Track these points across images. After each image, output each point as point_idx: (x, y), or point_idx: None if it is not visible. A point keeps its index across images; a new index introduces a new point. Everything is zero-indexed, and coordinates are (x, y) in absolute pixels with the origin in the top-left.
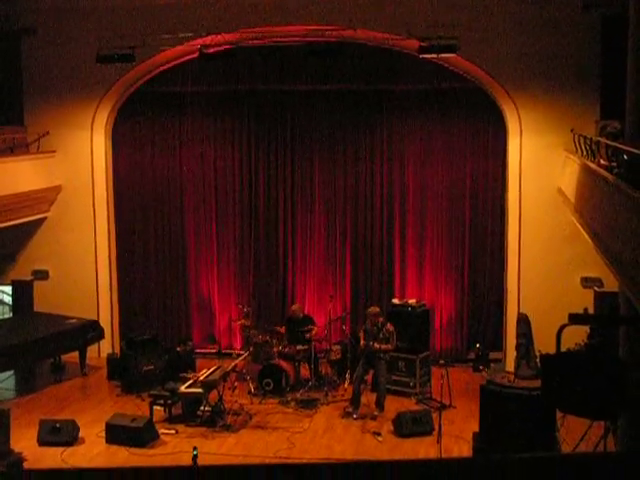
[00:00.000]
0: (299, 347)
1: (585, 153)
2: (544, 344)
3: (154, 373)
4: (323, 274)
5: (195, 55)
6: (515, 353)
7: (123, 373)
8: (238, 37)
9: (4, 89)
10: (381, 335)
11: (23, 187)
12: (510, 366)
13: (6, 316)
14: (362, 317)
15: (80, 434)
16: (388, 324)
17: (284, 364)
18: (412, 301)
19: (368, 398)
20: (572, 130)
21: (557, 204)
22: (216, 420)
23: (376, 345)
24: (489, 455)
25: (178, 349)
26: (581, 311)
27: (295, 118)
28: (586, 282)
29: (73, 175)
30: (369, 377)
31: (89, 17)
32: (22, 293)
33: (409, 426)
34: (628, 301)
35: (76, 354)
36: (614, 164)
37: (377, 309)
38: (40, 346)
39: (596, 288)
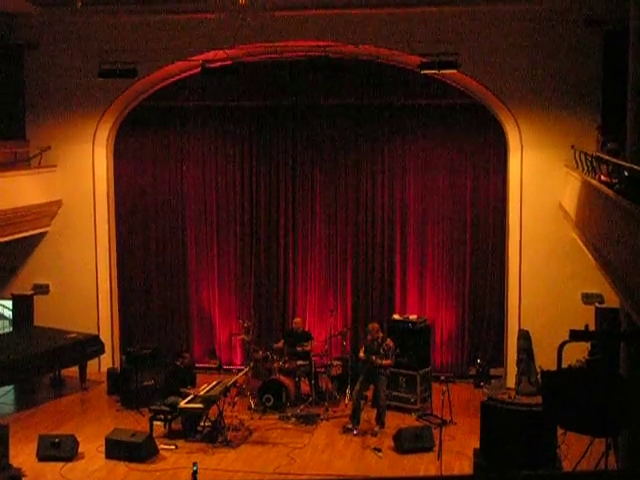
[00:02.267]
0: (299, 362)
1: (586, 169)
2: (545, 360)
3: (154, 388)
4: (324, 289)
5: (197, 70)
6: (516, 369)
7: (123, 388)
8: (240, 52)
9: (6, 103)
10: (381, 350)
11: (24, 201)
12: (511, 382)
13: (6, 330)
14: (363, 332)
15: (80, 449)
16: (388, 340)
17: (284, 379)
18: (413, 317)
19: (368, 414)
20: (573, 146)
21: (558, 220)
22: (216, 435)
23: (378, 360)
24: (490, 472)
25: (177, 363)
26: (582, 327)
27: (296, 133)
28: (587, 298)
29: (74, 189)
30: (369, 393)
31: (91, 32)
32: (22, 307)
33: (410, 442)
34: (629, 317)
35: (76, 369)
36: (615, 180)
37: (376, 325)
38: (40, 361)
39: (597, 304)
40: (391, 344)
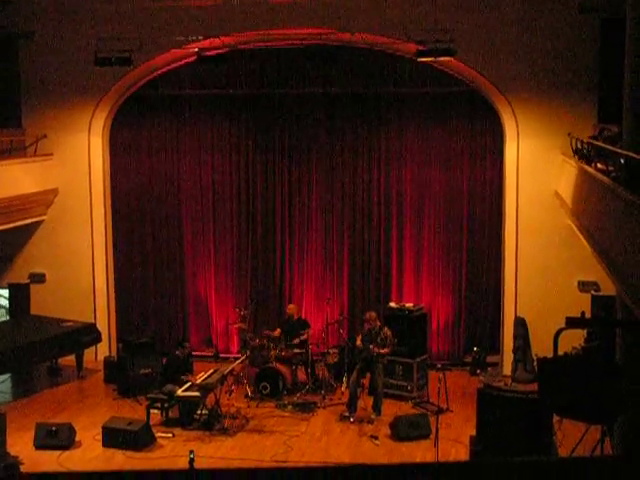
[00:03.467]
0: (296, 350)
1: (582, 157)
2: (541, 348)
3: (151, 376)
4: (320, 277)
5: (193, 58)
6: (512, 356)
7: (120, 376)
8: (236, 40)
9: (2, 92)
10: (379, 339)
11: (20, 190)
12: (507, 370)
13: (3, 319)
14: (359, 320)
15: (77, 437)
16: (385, 328)
17: (281, 367)
18: (409, 305)
19: (365, 402)
20: (569, 134)
21: (554, 207)
22: (213, 423)
23: (375, 349)
24: (486, 459)
25: (177, 352)
26: (578, 315)
27: (293, 122)
28: (583, 286)
29: (70, 178)
30: (366, 381)
31: (87, 20)
32: (19, 296)
33: (406, 430)
34: (625, 305)
35: (73, 357)
36: (611, 168)
37: (374, 314)
38: (37, 349)
39: (593, 292)
40: (389, 333)
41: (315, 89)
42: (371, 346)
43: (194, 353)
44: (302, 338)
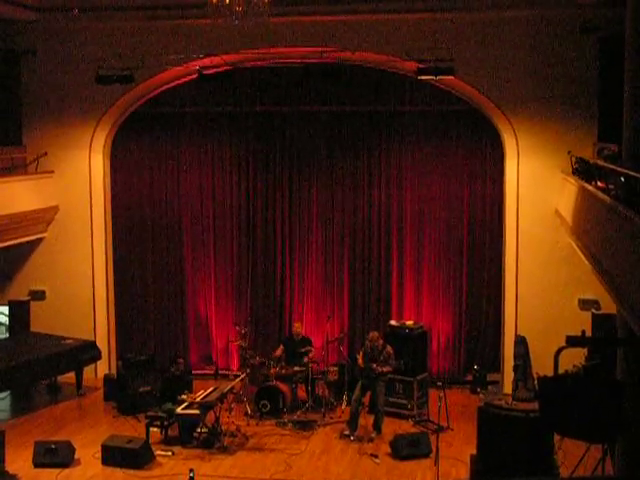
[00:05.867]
0: (296, 368)
1: (582, 175)
2: (542, 366)
3: (151, 394)
4: (321, 295)
5: (194, 76)
6: (513, 375)
7: (120, 394)
8: (237, 58)
9: (3, 109)
10: (382, 358)
11: (21, 207)
12: (508, 388)
13: (2, 336)
14: (360, 338)
15: (76, 455)
16: (388, 346)
17: (281, 385)
18: (410, 322)
19: (365, 420)
20: (569, 152)
21: (555, 226)
22: (213, 442)
23: (378, 369)
24: (487, 478)
25: (172, 369)
26: (579, 333)
27: (293, 139)
28: (584, 304)
29: (71, 196)
30: (366, 399)
31: (88, 38)
32: (18, 313)
33: (406, 448)
34: (625, 323)
35: (72, 375)
36: (611, 186)
37: (376, 333)
38: (36, 367)
39: (594, 310)
40: (391, 351)
41: (316, 107)
42: (374, 365)
43: (194, 371)
44: (308, 349)
